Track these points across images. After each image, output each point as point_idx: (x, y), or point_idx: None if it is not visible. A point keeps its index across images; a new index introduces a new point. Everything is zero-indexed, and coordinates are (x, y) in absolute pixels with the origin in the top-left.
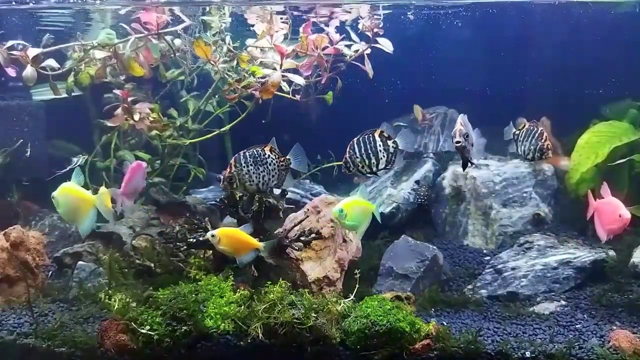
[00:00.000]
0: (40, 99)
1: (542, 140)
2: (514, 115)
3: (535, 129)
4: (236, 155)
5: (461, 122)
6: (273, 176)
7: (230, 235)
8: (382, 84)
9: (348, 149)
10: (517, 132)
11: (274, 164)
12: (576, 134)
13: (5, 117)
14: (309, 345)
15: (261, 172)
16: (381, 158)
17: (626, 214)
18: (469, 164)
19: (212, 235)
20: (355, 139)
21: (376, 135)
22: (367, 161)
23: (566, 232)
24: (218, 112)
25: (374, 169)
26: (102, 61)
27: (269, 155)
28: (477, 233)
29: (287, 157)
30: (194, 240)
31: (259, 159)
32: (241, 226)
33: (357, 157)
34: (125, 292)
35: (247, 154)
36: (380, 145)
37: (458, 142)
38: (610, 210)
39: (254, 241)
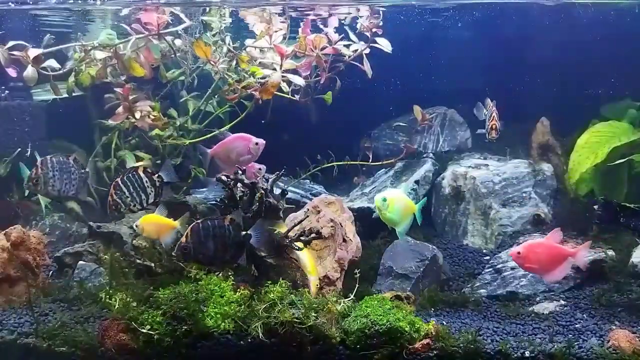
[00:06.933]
0: (41, 99)
1: (490, 120)
2: (514, 116)
3: (488, 110)
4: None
5: None
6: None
7: (149, 221)
8: (382, 83)
9: (113, 190)
10: (485, 112)
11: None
12: (576, 134)
13: (5, 117)
14: (309, 345)
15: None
16: (150, 193)
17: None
18: None
19: (136, 226)
20: (119, 178)
21: (140, 172)
22: (137, 199)
23: (566, 232)
24: (218, 112)
25: (145, 204)
26: (103, 61)
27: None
28: (476, 233)
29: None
30: None
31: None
32: (156, 210)
33: (127, 197)
34: (125, 292)
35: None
36: (147, 182)
37: None
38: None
39: (171, 221)
